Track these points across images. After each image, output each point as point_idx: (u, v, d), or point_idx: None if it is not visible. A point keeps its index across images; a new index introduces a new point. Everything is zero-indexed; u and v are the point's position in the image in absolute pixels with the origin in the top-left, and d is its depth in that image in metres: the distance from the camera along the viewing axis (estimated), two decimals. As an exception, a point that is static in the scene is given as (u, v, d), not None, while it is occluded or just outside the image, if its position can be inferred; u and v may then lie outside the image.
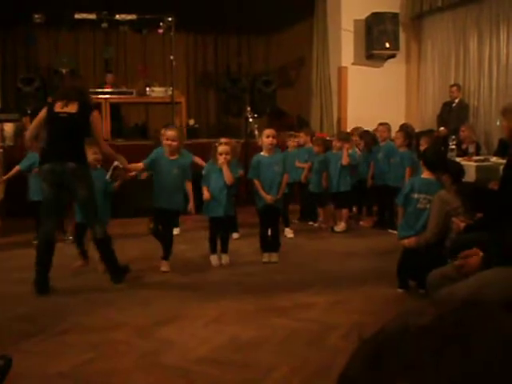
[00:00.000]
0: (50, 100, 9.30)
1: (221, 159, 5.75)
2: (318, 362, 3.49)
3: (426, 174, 4.83)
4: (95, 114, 5.02)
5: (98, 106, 9.86)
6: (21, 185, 6.92)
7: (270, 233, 6.01)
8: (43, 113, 5.00)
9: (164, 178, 5.56)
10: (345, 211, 7.61)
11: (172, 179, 5.58)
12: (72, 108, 4.89)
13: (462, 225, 3.97)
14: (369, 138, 8.15)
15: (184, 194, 5.73)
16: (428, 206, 4.62)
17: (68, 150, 4.84)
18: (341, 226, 7.50)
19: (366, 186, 7.87)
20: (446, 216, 4.34)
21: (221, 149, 5.81)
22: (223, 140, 6.83)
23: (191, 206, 5.77)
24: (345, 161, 7.42)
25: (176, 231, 7.28)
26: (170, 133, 5.70)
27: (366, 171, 7.90)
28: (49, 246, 4.96)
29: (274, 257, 5.96)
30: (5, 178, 6.85)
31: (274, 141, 5.91)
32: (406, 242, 4.67)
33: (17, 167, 6.92)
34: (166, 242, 5.66)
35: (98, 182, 5.29)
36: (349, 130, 9.34)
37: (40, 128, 5.11)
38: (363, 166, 7.89)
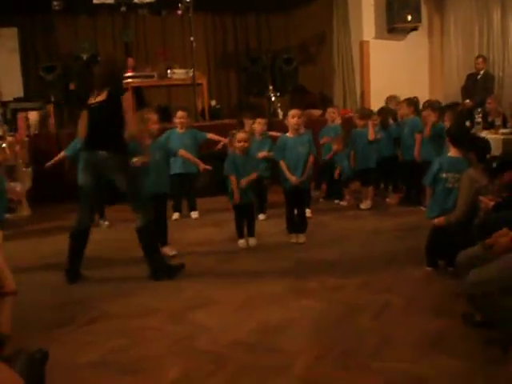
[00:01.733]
0: (72, 87, 9.47)
1: (239, 147, 5.76)
2: (346, 343, 3.50)
3: (453, 152, 4.77)
4: (125, 96, 4.93)
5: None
6: (49, 172, 6.98)
7: (296, 213, 6.01)
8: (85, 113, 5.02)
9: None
10: (371, 188, 7.58)
11: (156, 163, 5.54)
12: (102, 97, 4.89)
13: (491, 203, 3.93)
14: (385, 114, 8.08)
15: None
16: (457, 184, 4.57)
17: (100, 139, 4.86)
18: (367, 204, 7.47)
19: (389, 163, 7.79)
20: (475, 194, 4.29)
21: (239, 136, 5.81)
22: (259, 120, 6.91)
23: (202, 166, 5.89)
24: (371, 136, 7.36)
25: (195, 215, 7.35)
26: (150, 116, 5.57)
27: (385, 148, 7.82)
28: (82, 235, 4.98)
29: (302, 238, 5.96)
30: (50, 163, 6.85)
31: (300, 121, 5.87)
32: (436, 221, 4.63)
33: (62, 153, 6.96)
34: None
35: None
36: (374, 105, 9.28)
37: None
38: (383, 142, 7.80)
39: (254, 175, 5.86)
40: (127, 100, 4.93)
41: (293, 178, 5.81)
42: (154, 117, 5.55)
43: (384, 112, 8.17)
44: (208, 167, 5.95)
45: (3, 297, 1.70)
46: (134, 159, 5.18)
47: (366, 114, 7.73)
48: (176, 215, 7.29)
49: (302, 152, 5.86)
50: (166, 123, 8.92)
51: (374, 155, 7.52)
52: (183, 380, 3.17)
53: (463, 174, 4.46)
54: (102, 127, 4.86)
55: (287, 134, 5.97)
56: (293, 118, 5.85)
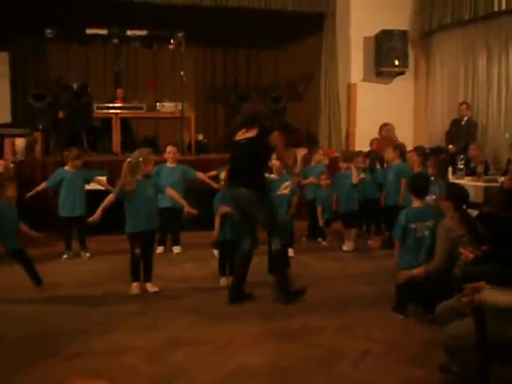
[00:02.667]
0: (60, 115, 9.49)
1: None
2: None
3: (416, 203, 4.89)
4: (275, 134, 5.14)
5: (108, 120, 10.01)
6: (33, 199, 6.95)
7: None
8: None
9: (139, 199, 5.53)
10: (353, 230, 7.64)
11: (148, 200, 5.61)
12: (251, 133, 5.13)
13: (471, 256, 3.99)
14: (373, 157, 8.18)
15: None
16: (426, 232, 4.69)
17: (243, 176, 5.15)
18: (349, 245, 7.52)
19: (373, 205, 7.87)
20: (451, 244, 4.37)
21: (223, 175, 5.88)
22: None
23: (187, 209, 5.89)
24: (355, 180, 7.45)
25: (177, 250, 7.35)
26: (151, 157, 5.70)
27: (370, 190, 7.91)
28: (246, 261, 5.35)
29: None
30: (31, 193, 6.91)
31: (282, 164, 5.97)
32: (414, 271, 4.67)
33: (43, 184, 7.01)
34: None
35: None
36: (359, 146, 9.41)
37: None
38: (368, 184, 7.89)
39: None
40: (277, 137, 5.15)
41: None
42: (153, 159, 5.72)
43: (372, 155, 8.27)
44: (193, 211, 5.94)
45: None
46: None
47: (348, 156, 7.83)
48: (160, 249, 7.29)
49: (285, 194, 5.93)
50: (154, 156, 8.97)
51: (356, 198, 7.60)
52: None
53: (439, 226, 4.54)
54: (246, 163, 5.14)
55: (272, 176, 6.05)
56: (277, 160, 5.95)
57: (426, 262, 4.65)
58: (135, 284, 5.63)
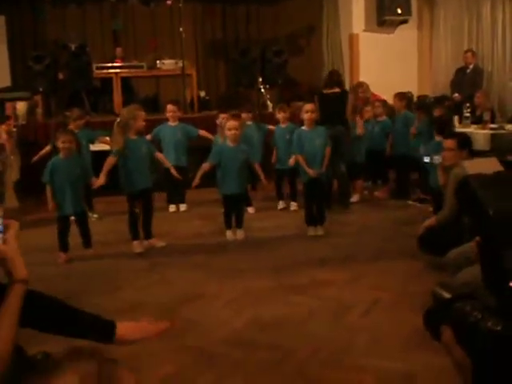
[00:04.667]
0: (60, 77, 9.37)
1: (230, 135, 5.76)
2: (338, 341, 3.53)
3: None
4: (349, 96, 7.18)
5: (109, 80, 9.91)
6: (37, 163, 6.92)
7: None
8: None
9: (134, 158, 5.51)
10: (359, 182, 7.61)
11: (143, 158, 5.59)
12: (335, 90, 7.06)
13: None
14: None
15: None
16: None
17: (338, 117, 6.88)
18: (355, 197, 7.50)
19: (379, 157, 7.81)
20: (457, 193, 4.31)
21: (229, 124, 5.80)
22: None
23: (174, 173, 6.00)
24: (360, 130, 7.38)
25: (183, 207, 7.35)
26: (139, 113, 5.60)
27: (377, 141, 7.83)
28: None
29: (320, 230, 6.00)
30: (36, 157, 6.91)
31: (313, 115, 5.91)
32: (426, 222, 4.66)
33: (48, 147, 6.95)
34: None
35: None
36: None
37: None
38: (375, 136, 7.81)
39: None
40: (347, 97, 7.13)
41: (311, 171, 5.85)
42: (142, 114, 5.58)
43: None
44: (178, 177, 6.07)
45: (12, 285, 1.71)
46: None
47: (357, 109, 7.72)
48: (172, 207, 7.33)
49: (319, 144, 5.90)
50: (156, 115, 8.93)
51: (362, 149, 7.54)
52: (175, 378, 3.18)
53: (450, 174, 4.49)
54: (339, 109, 6.94)
55: (302, 128, 6.00)
56: (306, 112, 5.90)
57: None
58: (136, 242, 5.63)
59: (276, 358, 3.33)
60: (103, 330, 2.10)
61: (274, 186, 7.28)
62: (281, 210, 7.17)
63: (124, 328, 2.13)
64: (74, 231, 5.58)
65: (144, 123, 5.61)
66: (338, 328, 3.73)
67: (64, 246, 5.44)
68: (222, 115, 6.86)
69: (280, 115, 7.22)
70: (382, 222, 6.45)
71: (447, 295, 2.16)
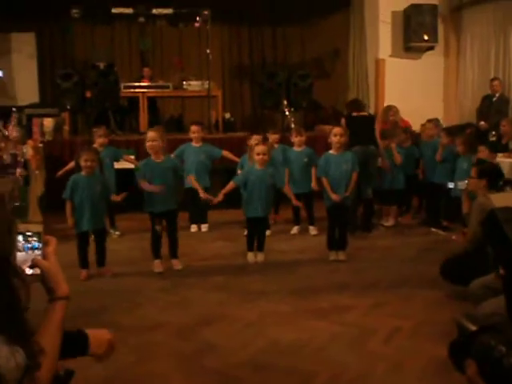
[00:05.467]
0: (88, 95, 9.50)
1: (258, 160, 5.77)
2: (358, 368, 3.49)
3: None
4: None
5: (135, 99, 10.04)
6: (62, 178, 6.98)
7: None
8: None
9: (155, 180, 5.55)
10: (394, 208, 7.62)
11: (168, 181, 5.60)
12: (364, 113, 7.43)
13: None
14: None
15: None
16: None
17: (369, 138, 7.09)
18: (390, 222, 7.53)
19: (411, 182, 7.75)
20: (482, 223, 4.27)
21: (258, 148, 5.81)
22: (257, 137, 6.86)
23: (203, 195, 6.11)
24: (397, 160, 7.36)
25: (204, 228, 7.35)
26: (150, 134, 5.65)
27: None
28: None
29: (342, 255, 5.95)
30: (61, 172, 6.96)
31: (342, 139, 5.91)
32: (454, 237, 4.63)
33: (72, 163, 7.01)
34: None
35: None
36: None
37: None
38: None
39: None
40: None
41: (334, 196, 5.83)
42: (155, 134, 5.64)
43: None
44: (210, 198, 6.06)
45: (54, 302, 1.71)
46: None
47: (388, 134, 7.68)
48: (194, 227, 7.35)
49: (345, 169, 5.89)
50: (180, 135, 9.00)
51: (401, 176, 7.53)
52: (192, 399, 3.17)
53: (474, 203, 4.45)
54: (369, 130, 7.15)
55: (330, 152, 6.00)
56: (335, 136, 5.91)
57: None
58: (156, 262, 5.63)
59: (294, 382, 3.30)
60: (76, 341, 1.98)
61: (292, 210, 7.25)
62: (293, 234, 7.12)
63: (92, 338, 2.00)
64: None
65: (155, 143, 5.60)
66: (357, 354, 3.68)
67: (84, 262, 5.47)
68: (255, 136, 6.89)
69: (296, 139, 7.20)
70: (405, 249, 6.40)
71: (472, 327, 2.13)
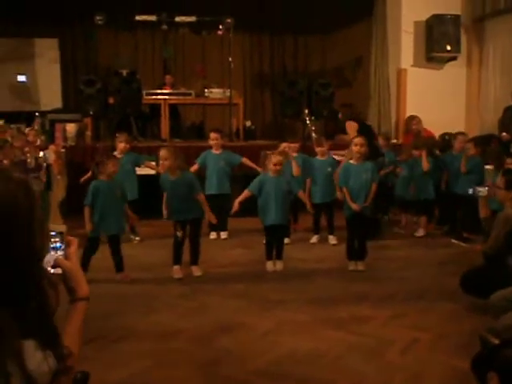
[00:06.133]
0: (111, 101, 9.60)
1: (273, 169, 5.80)
2: (375, 378, 3.47)
3: None
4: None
5: (157, 106, 10.11)
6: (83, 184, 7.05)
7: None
8: None
9: (171, 195, 5.64)
10: (424, 218, 7.61)
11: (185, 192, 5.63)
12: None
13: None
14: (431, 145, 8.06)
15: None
16: None
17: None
18: (420, 232, 7.54)
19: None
20: (509, 234, 4.24)
21: (275, 159, 5.83)
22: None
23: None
24: (425, 166, 7.37)
25: (224, 235, 7.37)
26: (161, 153, 5.66)
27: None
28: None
29: (361, 265, 5.94)
30: (84, 178, 7.04)
31: (362, 149, 5.90)
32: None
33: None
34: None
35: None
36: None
37: None
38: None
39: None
40: None
41: (354, 205, 5.83)
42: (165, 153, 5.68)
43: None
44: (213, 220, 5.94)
45: (75, 303, 1.72)
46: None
47: (420, 144, 7.69)
48: (213, 234, 7.36)
49: (365, 179, 5.89)
50: (201, 142, 9.05)
51: (429, 186, 7.53)
52: (208, 406, 3.17)
53: (500, 213, 4.42)
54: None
55: (350, 161, 6.00)
56: (356, 145, 5.91)
57: None
58: (176, 267, 5.66)
59: (312, 392, 3.29)
60: None
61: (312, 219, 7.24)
62: (313, 243, 7.12)
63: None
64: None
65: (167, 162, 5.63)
66: (375, 365, 3.67)
67: (85, 268, 5.49)
68: (284, 144, 6.91)
69: (319, 149, 7.22)
70: (425, 260, 6.37)
71: (495, 341, 2.12)
